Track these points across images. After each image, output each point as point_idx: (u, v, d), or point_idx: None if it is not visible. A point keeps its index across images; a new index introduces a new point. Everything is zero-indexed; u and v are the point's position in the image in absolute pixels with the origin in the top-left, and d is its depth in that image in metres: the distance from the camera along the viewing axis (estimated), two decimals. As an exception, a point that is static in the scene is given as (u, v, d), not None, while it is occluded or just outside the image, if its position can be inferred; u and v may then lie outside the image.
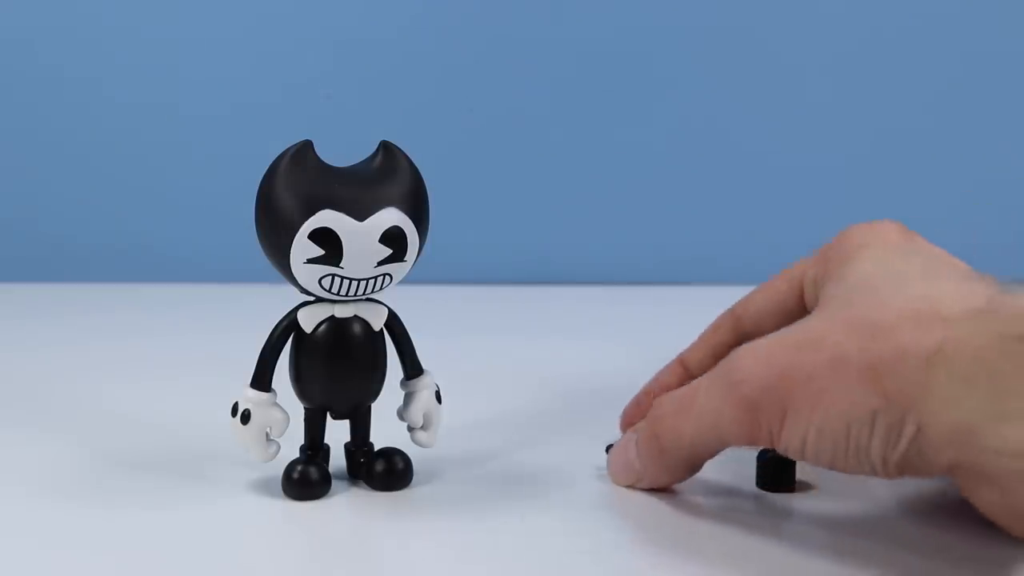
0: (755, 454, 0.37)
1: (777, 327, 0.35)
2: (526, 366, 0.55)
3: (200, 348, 0.58)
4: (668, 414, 0.34)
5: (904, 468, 0.28)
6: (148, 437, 0.42)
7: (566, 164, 0.79)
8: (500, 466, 0.39)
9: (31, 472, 0.38)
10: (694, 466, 0.34)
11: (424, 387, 0.37)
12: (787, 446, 0.30)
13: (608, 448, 0.38)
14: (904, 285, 0.30)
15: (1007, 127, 0.79)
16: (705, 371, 0.37)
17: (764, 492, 0.37)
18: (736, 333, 0.38)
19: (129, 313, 0.69)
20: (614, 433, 0.40)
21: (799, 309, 0.35)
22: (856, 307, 0.30)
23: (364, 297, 0.35)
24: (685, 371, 0.39)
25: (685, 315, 0.69)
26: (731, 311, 0.39)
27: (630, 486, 0.36)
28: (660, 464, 0.35)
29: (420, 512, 0.35)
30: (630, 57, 0.78)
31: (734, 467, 0.38)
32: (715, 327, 0.39)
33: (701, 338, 0.40)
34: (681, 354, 0.40)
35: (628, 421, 0.40)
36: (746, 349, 0.31)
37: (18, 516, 0.35)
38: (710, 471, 0.38)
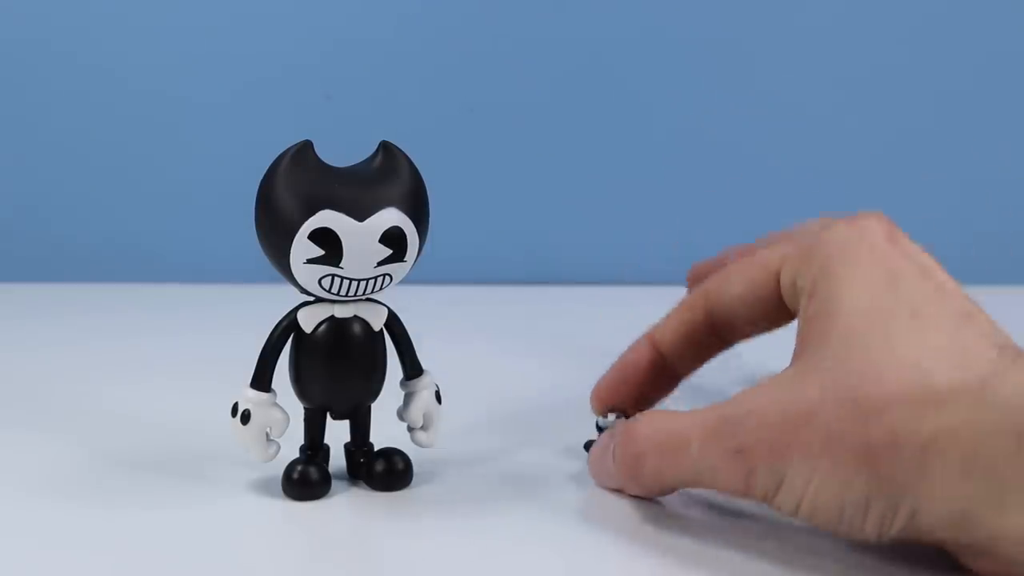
0: None
1: (751, 317, 0.36)
2: (526, 366, 0.55)
3: (200, 348, 0.58)
4: (649, 453, 0.33)
5: (899, 541, 0.28)
6: (148, 437, 0.42)
7: (566, 164, 0.79)
8: (500, 466, 0.39)
9: (31, 472, 0.38)
10: (672, 491, 0.35)
11: (424, 387, 0.37)
12: (781, 509, 0.30)
13: (587, 445, 0.38)
14: (895, 340, 0.29)
15: (1007, 127, 0.79)
16: (675, 352, 0.38)
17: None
18: (708, 316, 0.37)
19: (129, 313, 0.69)
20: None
21: (776, 301, 0.35)
22: (847, 374, 0.29)
23: (364, 297, 0.35)
24: (655, 350, 0.38)
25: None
26: (703, 292, 0.38)
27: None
28: (637, 490, 0.35)
29: (420, 512, 0.35)
30: (631, 57, 0.78)
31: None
32: (687, 306, 0.38)
33: (671, 316, 0.39)
34: (650, 331, 0.39)
35: (601, 403, 0.40)
36: (744, 410, 0.30)
37: (18, 516, 0.35)
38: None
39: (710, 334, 0.38)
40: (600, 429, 0.39)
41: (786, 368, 0.31)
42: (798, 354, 0.31)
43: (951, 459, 0.26)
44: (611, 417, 0.39)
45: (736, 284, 0.36)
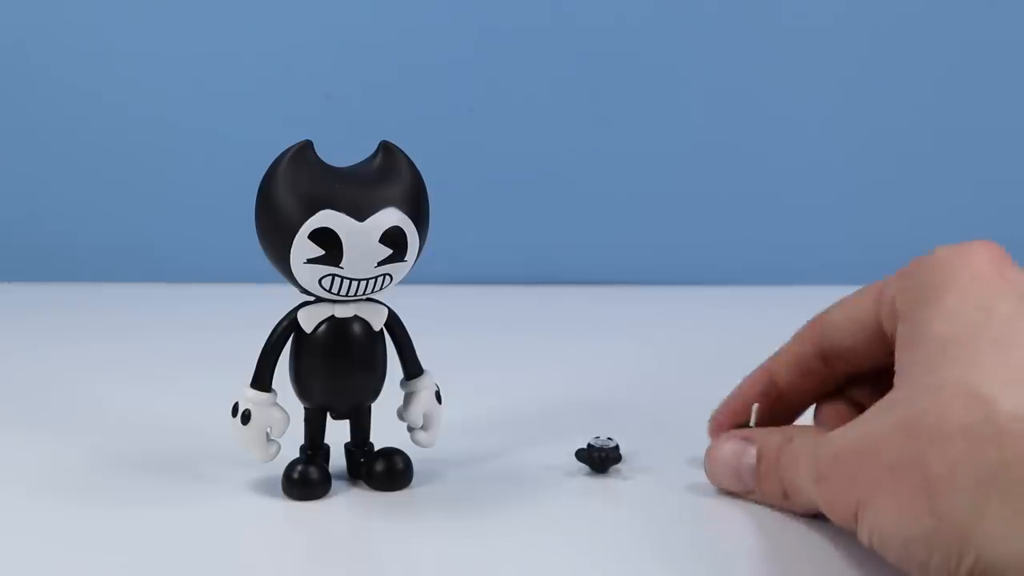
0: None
1: (856, 345, 0.35)
2: (526, 366, 0.55)
3: (200, 348, 0.58)
4: (781, 474, 0.34)
5: None
6: (148, 437, 0.42)
7: (566, 164, 0.79)
8: (500, 466, 0.39)
9: (31, 471, 0.38)
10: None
11: (424, 387, 0.37)
12: (860, 540, 0.29)
13: (578, 454, 0.38)
14: (969, 369, 0.27)
15: (1007, 127, 0.79)
16: (790, 381, 0.37)
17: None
18: (818, 344, 0.37)
19: (129, 313, 0.69)
20: (613, 432, 0.40)
21: (876, 326, 0.34)
22: (916, 405, 0.27)
23: (364, 297, 0.35)
24: (771, 382, 0.38)
25: (686, 315, 0.70)
26: (814, 321, 0.37)
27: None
28: (782, 505, 0.34)
29: (420, 512, 0.35)
30: (631, 57, 0.78)
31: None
32: (798, 337, 0.38)
33: (784, 348, 0.38)
34: (766, 362, 0.39)
35: (718, 427, 0.39)
36: (829, 441, 0.30)
37: (18, 515, 0.35)
38: (697, 467, 0.38)
39: (821, 365, 0.37)
40: (591, 447, 0.39)
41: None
42: (894, 383, 0.30)
43: (1009, 497, 0.25)
44: (602, 438, 0.39)
45: (841, 311, 0.36)
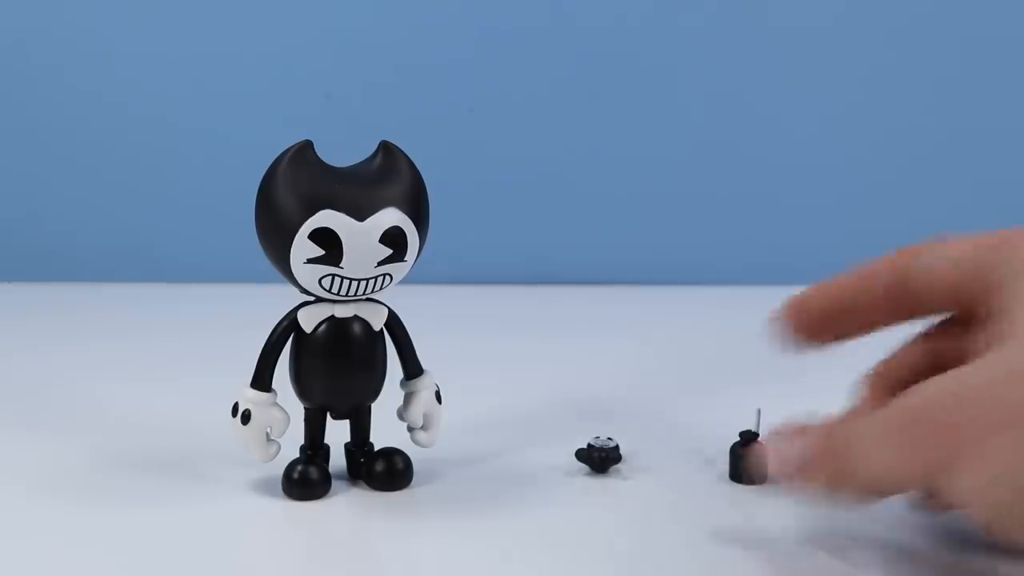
0: (728, 447, 0.37)
1: (941, 287, 0.32)
2: (526, 366, 0.55)
3: (200, 348, 0.58)
4: (840, 453, 0.30)
5: None
6: (148, 437, 0.42)
7: (566, 164, 0.79)
8: (500, 466, 0.39)
9: (31, 471, 0.38)
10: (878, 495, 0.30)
11: (424, 387, 0.37)
12: (953, 503, 0.27)
13: (578, 454, 0.38)
14: None
15: (1007, 127, 0.79)
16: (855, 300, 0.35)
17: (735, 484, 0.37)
18: (900, 274, 0.33)
19: (129, 313, 0.69)
20: (613, 432, 0.40)
21: (962, 285, 0.31)
22: None
23: (364, 297, 0.35)
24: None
25: (686, 315, 0.70)
26: (900, 251, 0.34)
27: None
28: (844, 494, 0.31)
29: (420, 512, 0.35)
30: (630, 58, 0.78)
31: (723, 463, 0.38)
32: (880, 261, 0.35)
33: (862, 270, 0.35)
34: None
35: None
36: (917, 395, 0.28)
37: (18, 516, 0.35)
38: (697, 467, 0.38)
39: (887, 298, 0.34)
40: (591, 447, 0.38)
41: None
42: (984, 349, 0.28)
43: None
44: (602, 438, 0.39)
45: (936, 253, 0.33)
